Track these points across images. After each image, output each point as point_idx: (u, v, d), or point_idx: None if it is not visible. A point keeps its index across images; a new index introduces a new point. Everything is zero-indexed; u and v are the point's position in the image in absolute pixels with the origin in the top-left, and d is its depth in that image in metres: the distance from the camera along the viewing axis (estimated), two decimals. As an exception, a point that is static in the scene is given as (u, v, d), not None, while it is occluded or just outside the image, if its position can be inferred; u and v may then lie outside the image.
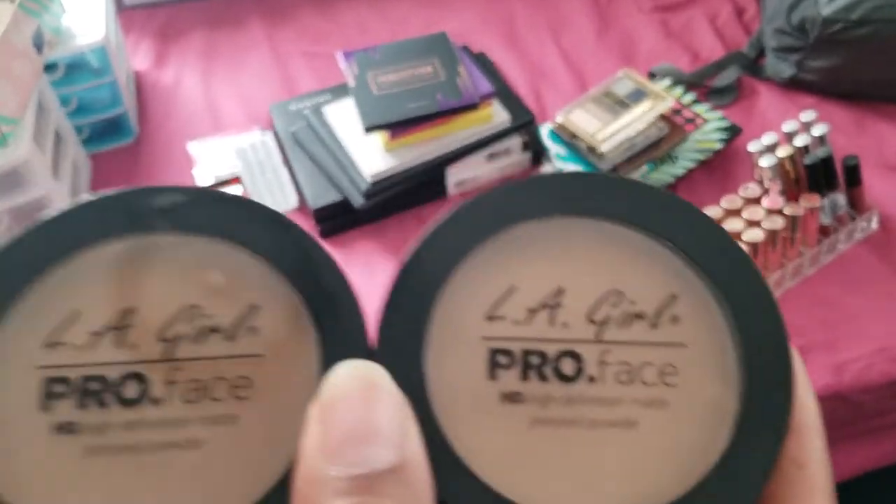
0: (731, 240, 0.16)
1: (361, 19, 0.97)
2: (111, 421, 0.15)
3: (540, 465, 0.15)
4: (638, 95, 0.73)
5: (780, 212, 0.63)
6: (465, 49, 0.83)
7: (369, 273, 0.70)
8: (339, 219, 0.73)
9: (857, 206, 0.69)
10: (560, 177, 0.16)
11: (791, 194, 0.66)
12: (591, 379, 0.15)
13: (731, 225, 0.61)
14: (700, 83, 0.85)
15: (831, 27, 0.78)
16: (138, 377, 0.15)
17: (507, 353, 0.15)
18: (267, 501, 0.14)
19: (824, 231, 0.68)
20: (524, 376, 0.15)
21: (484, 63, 0.82)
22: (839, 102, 0.83)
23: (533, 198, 0.16)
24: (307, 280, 0.15)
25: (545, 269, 0.16)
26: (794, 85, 0.84)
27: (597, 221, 0.16)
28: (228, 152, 0.80)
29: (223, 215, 0.16)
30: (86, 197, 0.16)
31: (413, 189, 0.73)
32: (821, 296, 0.67)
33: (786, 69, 0.84)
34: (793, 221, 0.63)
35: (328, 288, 0.15)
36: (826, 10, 0.78)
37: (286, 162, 0.78)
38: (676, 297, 0.16)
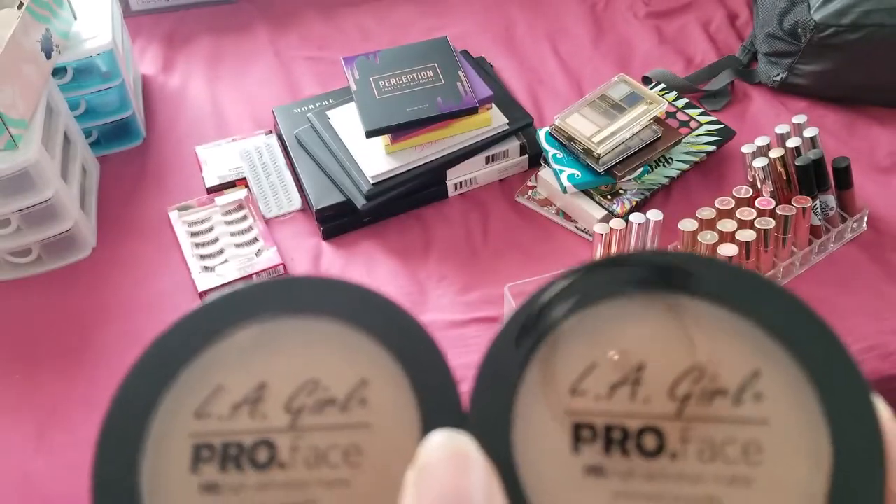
0: (816, 314, 0.16)
1: (364, 25, 0.98)
2: (246, 483, 0.16)
3: None
4: (633, 99, 0.74)
5: (771, 212, 0.64)
6: (465, 54, 0.84)
7: (370, 273, 0.71)
8: (342, 220, 0.74)
9: (847, 207, 0.71)
10: (631, 259, 0.17)
11: (783, 195, 0.68)
12: (674, 455, 0.16)
13: (724, 226, 0.62)
14: (694, 87, 0.86)
15: (823, 32, 0.79)
16: (268, 444, 0.17)
17: (590, 427, 0.16)
18: None
19: (815, 232, 0.69)
20: (607, 451, 0.16)
21: (483, 68, 0.83)
22: (830, 106, 0.84)
23: (626, 277, 0.17)
24: (410, 356, 0.17)
25: (626, 345, 0.16)
26: (785, 89, 0.85)
27: (676, 297, 0.17)
28: (234, 155, 0.81)
29: (338, 298, 0.17)
30: (223, 291, 0.18)
31: (414, 191, 0.74)
32: (812, 295, 0.68)
33: (778, 73, 0.85)
34: (784, 222, 0.64)
35: (428, 363, 0.17)
36: (818, 15, 0.79)
37: (290, 164, 0.79)
38: (760, 374, 0.16)
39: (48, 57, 0.71)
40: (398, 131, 0.72)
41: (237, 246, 0.73)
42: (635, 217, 0.63)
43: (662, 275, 0.16)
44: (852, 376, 0.15)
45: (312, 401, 0.17)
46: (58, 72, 0.76)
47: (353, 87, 0.75)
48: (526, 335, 0.16)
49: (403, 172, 0.73)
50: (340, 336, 0.17)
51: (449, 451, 0.15)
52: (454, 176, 0.76)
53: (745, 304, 0.16)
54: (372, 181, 0.72)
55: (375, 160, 0.73)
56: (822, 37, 0.79)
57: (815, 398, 0.15)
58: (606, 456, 0.16)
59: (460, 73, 0.75)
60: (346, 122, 0.76)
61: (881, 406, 0.15)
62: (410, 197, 0.75)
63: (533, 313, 0.17)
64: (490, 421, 0.16)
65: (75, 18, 0.78)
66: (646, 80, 0.87)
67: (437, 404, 0.16)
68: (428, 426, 0.16)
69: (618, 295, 0.17)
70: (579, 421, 0.16)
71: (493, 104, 0.75)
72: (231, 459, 0.16)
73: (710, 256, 0.17)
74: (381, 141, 0.73)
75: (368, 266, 0.72)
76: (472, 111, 0.73)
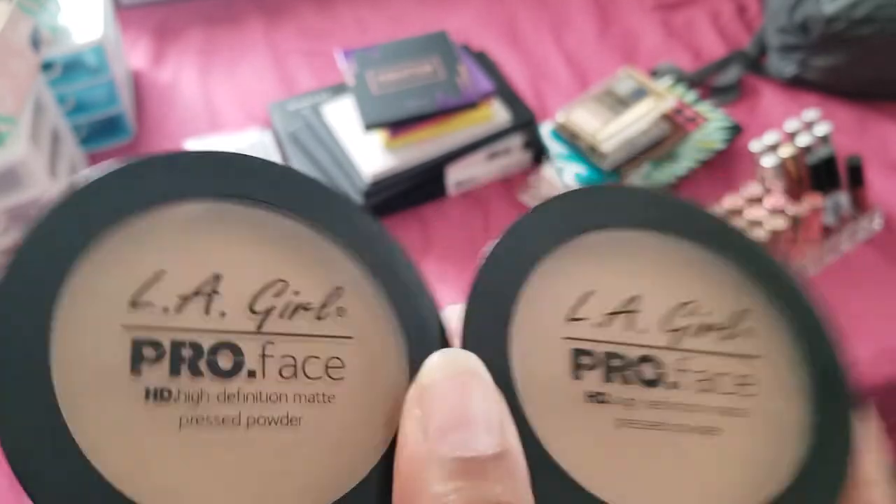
0: (789, 266, 0.17)
1: (361, 18, 0.97)
2: (207, 391, 0.14)
3: (627, 466, 0.15)
4: (639, 94, 0.72)
5: (782, 212, 0.62)
6: (466, 48, 0.83)
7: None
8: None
9: (860, 205, 0.69)
10: (638, 191, 0.18)
11: (793, 194, 0.66)
12: (673, 385, 0.16)
13: (734, 225, 0.60)
14: (702, 82, 0.84)
15: (834, 25, 0.77)
16: (231, 348, 0.14)
17: (589, 354, 0.16)
18: (369, 481, 0.14)
19: (827, 231, 0.68)
20: (607, 378, 0.16)
21: (484, 62, 0.81)
22: (842, 101, 0.82)
23: (611, 207, 0.17)
24: (387, 271, 0.16)
25: (621, 277, 0.16)
26: (796, 84, 0.84)
27: (670, 237, 0.17)
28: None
29: (309, 196, 0.15)
30: (168, 152, 0.15)
31: (412, 189, 0.73)
32: (824, 296, 0.66)
33: (788, 68, 0.84)
34: (795, 221, 0.63)
35: (402, 273, 0.16)
36: (829, 9, 0.77)
37: (285, 161, 0.78)
38: (748, 312, 0.17)
39: (36, 50, 0.69)
40: (397, 126, 0.70)
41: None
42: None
43: (659, 211, 0.17)
44: (825, 319, 0.17)
45: (282, 304, 0.15)
46: (47, 67, 0.74)
47: (351, 82, 0.73)
48: (517, 261, 0.16)
49: (402, 170, 0.71)
50: (305, 235, 0.15)
51: (455, 369, 0.14)
52: (454, 173, 0.74)
53: (729, 249, 0.17)
54: (369, 179, 0.70)
55: (373, 157, 0.71)
56: (833, 30, 0.77)
57: (796, 338, 0.17)
58: (607, 383, 0.16)
59: (460, 67, 0.74)
60: (343, 117, 0.75)
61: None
62: (409, 195, 0.73)
63: (522, 240, 0.16)
64: (485, 345, 0.15)
65: (59, 9, 0.76)
66: (653, 75, 0.85)
67: (416, 327, 0.16)
68: (412, 341, 0.15)
69: (611, 225, 0.17)
70: (579, 347, 0.16)
71: (494, 99, 0.74)
72: (184, 362, 0.14)
73: (701, 206, 0.18)
74: (379, 137, 0.72)
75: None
76: (472, 106, 0.71)
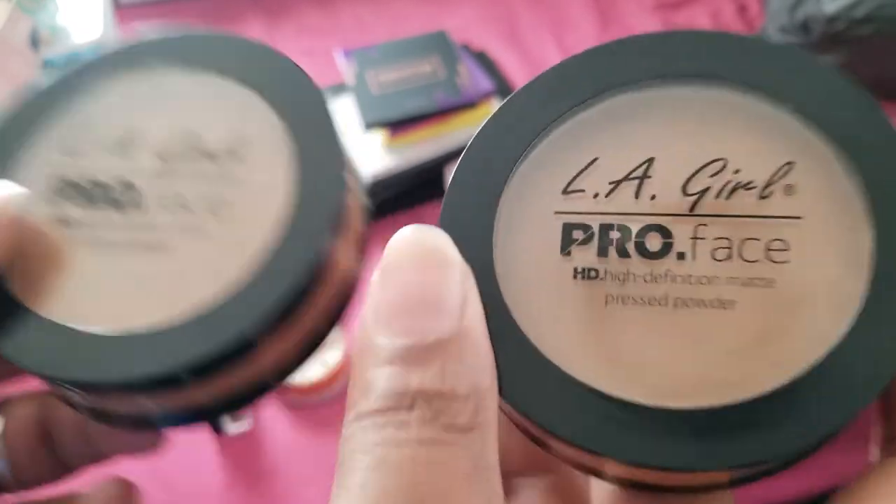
0: (860, 93, 0.14)
1: (360, 17, 0.97)
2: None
3: (612, 345, 0.14)
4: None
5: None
6: (466, 47, 0.83)
7: (368, 272, 0.70)
8: (338, 218, 0.73)
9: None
10: (656, 37, 0.15)
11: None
12: (681, 255, 0.14)
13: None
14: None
15: (835, 25, 0.77)
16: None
17: (583, 227, 0.14)
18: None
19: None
20: (602, 252, 0.14)
21: (484, 61, 0.81)
22: (843, 101, 0.82)
23: (625, 63, 0.15)
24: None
25: (635, 139, 0.15)
26: (797, 83, 0.84)
27: (697, 87, 0.15)
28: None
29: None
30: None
31: (412, 189, 0.72)
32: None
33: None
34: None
35: (311, 115, 0.16)
36: (830, 8, 0.77)
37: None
38: (793, 165, 0.14)
39: (35, 49, 0.69)
40: (397, 126, 0.70)
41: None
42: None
43: (678, 63, 0.15)
44: None
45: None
46: (46, 66, 0.74)
47: (350, 82, 0.73)
48: (520, 128, 0.15)
49: (401, 170, 0.71)
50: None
51: (419, 247, 0.13)
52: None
53: (775, 88, 0.15)
54: (369, 179, 0.70)
55: (372, 157, 0.71)
56: (834, 30, 0.77)
57: (856, 192, 0.14)
58: (602, 258, 0.14)
59: (460, 66, 0.74)
60: (342, 117, 0.75)
61: None
62: (409, 195, 0.73)
63: (522, 107, 0.15)
64: (468, 221, 0.15)
65: (57, 9, 0.76)
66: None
67: (317, 156, 0.16)
68: (305, 180, 0.16)
69: (626, 87, 0.15)
70: (571, 221, 0.15)
71: (494, 99, 0.73)
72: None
73: (729, 33, 0.15)
74: (378, 137, 0.72)
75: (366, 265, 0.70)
76: (472, 106, 0.71)
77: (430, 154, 0.72)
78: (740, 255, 0.14)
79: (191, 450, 0.60)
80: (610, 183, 0.15)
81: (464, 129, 0.73)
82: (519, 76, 0.87)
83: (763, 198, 0.14)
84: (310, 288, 0.15)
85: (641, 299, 0.14)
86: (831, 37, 0.78)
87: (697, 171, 0.14)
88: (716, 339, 0.13)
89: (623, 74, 0.15)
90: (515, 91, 0.15)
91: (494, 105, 0.73)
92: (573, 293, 0.14)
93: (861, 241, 0.14)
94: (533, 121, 0.15)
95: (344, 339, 0.62)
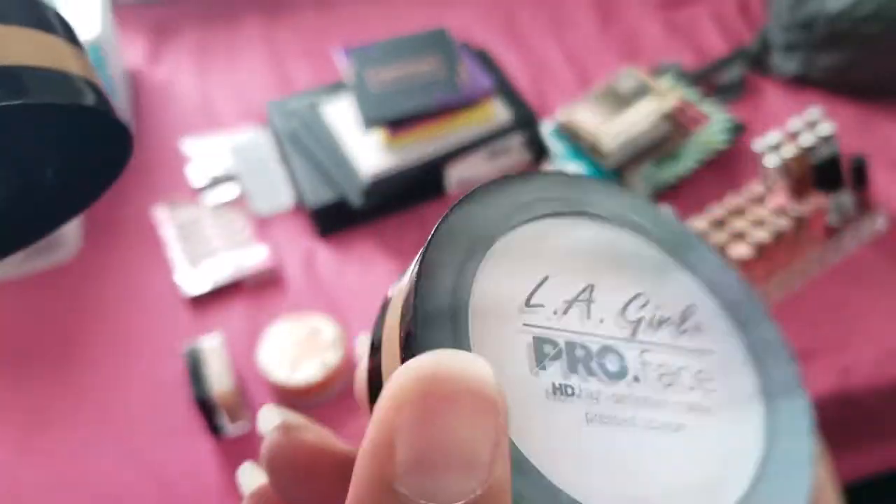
0: (729, 264, 0.17)
1: (360, 15, 0.96)
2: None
3: (602, 464, 0.14)
4: (641, 93, 0.72)
5: (785, 212, 0.62)
6: (466, 46, 0.82)
7: (367, 273, 0.69)
8: (337, 218, 0.72)
9: (864, 205, 0.68)
10: (591, 182, 0.17)
11: (797, 194, 0.65)
12: (636, 379, 0.15)
13: (736, 225, 0.60)
14: (705, 80, 0.84)
15: (838, 23, 0.77)
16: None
17: (551, 342, 0.15)
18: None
19: (830, 231, 0.67)
20: (571, 369, 0.15)
21: (484, 60, 0.81)
22: (846, 100, 0.82)
23: (561, 194, 0.16)
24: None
25: (576, 264, 0.16)
26: (800, 82, 0.83)
27: (619, 230, 0.17)
28: (224, 150, 0.78)
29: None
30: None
31: (412, 188, 0.72)
32: (828, 297, 0.66)
33: (792, 66, 0.83)
34: (799, 222, 0.62)
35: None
36: (833, 6, 0.77)
37: (283, 160, 0.77)
38: (694, 307, 0.16)
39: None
40: (396, 125, 0.70)
41: (227, 245, 0.71)
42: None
43: (607, 201, 0.17)
44: (763, 308, 0.17)
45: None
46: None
47: (350, 80, 0.73)
48: (468, 248, 0.15)
49: (401, 169, 0.71)
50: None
51: (462, 384, 0.11)
52: (454, 173, 0.74)
53: (674, 247, 0.17)
54: (368, 178, 0.70)
55: (372, 156, 0.71)
56: (838, 29, 0.77)
57: (738, 333, 0.16)
58: (572, 374, 0.15)
59: (460, 65, 0.73)
60: (341, 116, 0.74)
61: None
62: (409, 194, 0.73)
63: (471, 220, 0.15)
64: (438, 332, 0.14)
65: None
66: (655, 73, 0.84)
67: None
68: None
69: (563, 214, 0.16)
70: (540, 335, 0.15)
71: (494, 98, 0.73)
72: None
73: (655, 207, 0.18)
74: (378, 136, 0.71)
75: (365, 266, 0.70)
76: (472, 104, 0.71)
77: (430, 153, 0.71)
78: (681, 382, 0.15)
79: (190, 450, 0.59)
80: (564, 302, 0.15)
81: (464, 129, 0.72)
82: (519, 75, 0.86)
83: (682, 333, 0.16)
84: None
85: (615, 419, 0.15)
86: (835, 35, 0.77)
87: (630, 302, 0.16)
88: (675, 467, 0.15)
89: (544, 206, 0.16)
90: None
91: (494, 105, 0.73)
92: (553, 410, 0.14)
93: (750, 371, 0.16)
94: (483, 231, 0.15)
95: (344, 339, 0.61)
